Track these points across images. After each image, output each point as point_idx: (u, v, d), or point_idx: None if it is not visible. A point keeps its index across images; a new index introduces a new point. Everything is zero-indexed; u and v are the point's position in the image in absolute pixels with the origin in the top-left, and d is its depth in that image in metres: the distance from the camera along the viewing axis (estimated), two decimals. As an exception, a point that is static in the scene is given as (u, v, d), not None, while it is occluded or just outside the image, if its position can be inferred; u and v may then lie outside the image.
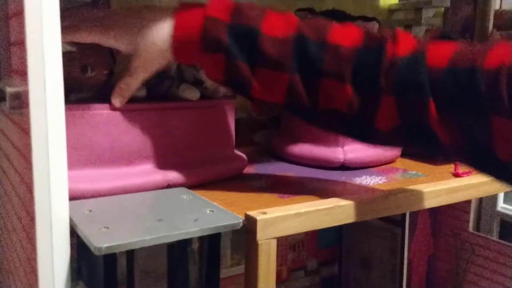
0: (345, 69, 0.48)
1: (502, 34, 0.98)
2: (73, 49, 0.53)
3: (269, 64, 0.49)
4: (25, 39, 0.37)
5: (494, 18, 0.99)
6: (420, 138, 0.50)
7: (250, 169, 0.71)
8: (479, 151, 0.47)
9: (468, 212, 1.06)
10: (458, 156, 0.53)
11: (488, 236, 1.05)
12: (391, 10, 1.00)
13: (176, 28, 0.51)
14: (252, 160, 0.72)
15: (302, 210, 0.50)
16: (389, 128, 0.49)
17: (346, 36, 0.49)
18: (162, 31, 0.52)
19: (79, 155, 0.53)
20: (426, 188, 0.60)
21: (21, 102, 0.41)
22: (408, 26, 0.96)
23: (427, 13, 0.94)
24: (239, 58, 0.50)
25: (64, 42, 0.48)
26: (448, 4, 0.94)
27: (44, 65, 0.37)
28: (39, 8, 0.38)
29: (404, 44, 0.48)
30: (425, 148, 0.54)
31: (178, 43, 0.52)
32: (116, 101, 0.55)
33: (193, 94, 0.62)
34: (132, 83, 0.55)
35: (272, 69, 0.50)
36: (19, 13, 0.40)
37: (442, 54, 0.47)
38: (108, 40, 0.53)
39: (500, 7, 1.10)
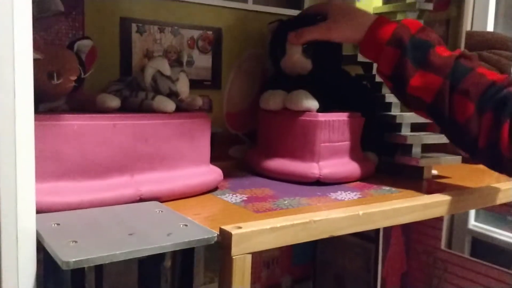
0: (475, 91, 0.63)
1: (472, 54, 1.00)
2: (39, 56, 0.52)
3: (431, 69, 0.65)
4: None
5: (466, 39, 1.02)
6: (493, 155, 0.63)
7: (225, 184, 0.70)
8: None
9: (440, 230, 1.07)
10: None
11: (460, 254, 1.06)
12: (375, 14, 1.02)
13: (376, 22, 0.71)
14: (227, 174, 0.72)
15: (278, 225, 0.49)
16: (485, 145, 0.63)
17: (491, 73, 0.65)
18: (365, 21, 0.71)
19: (48, 167, 0.51)
20: (400, 204, 0.60)
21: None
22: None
23: (411, 17, 0.95)
24: (410, 58, 0.66)
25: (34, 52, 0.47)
26: (431, 7, 0.96)
27: (14, 73, 0.36)
28: (10, 16, 0.37)
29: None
30: (493, 166, 0.67)
31: (373, 31, 0.70)
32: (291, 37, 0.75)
33: (168, 106, 0.61)
34: (313, 34, 0.74)
35: (432, 72, 0.65)
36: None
37: None
38: (331, 33, 0.74)
39: (472, 28, 1.14)
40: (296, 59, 0.76)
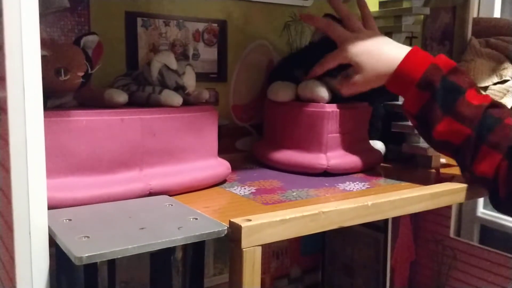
0: (504, 143, 0.62)
1: (480, 40, 1.00)
2: (46, 53, 0.52)
3: (459, 118, 0.63)
4: (4, 44, 0.36)
5: (472, 26, 1.01)
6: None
7: (233, 176, 0.71)
8: None
9: (449, 218, 1.06)
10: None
11: (469, 242, 1.06)
12: (372, 18, 1.01)
13: (407, 59, 0.66)
14: (235, 166, 0.72)
15: (287, 217, 0.49)
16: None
17: None
18: (394, 57, 0.67)
19: (58, 163, 0.52)
20: (409, 193, 0.60)
21: (-2, 108, 0.40)
22: (388, 34, 0.97)
23: (407, 21, 0.95)
24: (439, 102, 0.64)
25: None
26: (427, 12, 0.95)
27: (23, 71, 0.36)
28: (18, 12, 0.37)
29: None
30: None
31: (401, 71, 0.67)
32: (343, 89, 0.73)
33: (175, 100, 0.61)
34: (352, 88, 0.72)
35: (459, 122, 0.63)
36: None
37: None
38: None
39: (478, 15, 1.12)
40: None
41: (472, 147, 0.64)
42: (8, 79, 0.36)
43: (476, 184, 0.66)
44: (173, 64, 0.63)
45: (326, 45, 0.74)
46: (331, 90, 0.74)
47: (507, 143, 0.62)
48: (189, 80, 0.64)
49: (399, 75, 0.67)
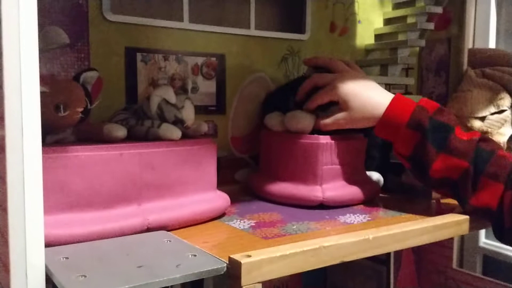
0: (502, 173, 0.63)
1: (476, 71, 1.01)
2: (45, 89, 0.52)
3: (454, 153, 0.65)
4: (3, 84, 0.36)
5: (468, 56, 1.02)
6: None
7: (232, 209, 0.70)
8: None
9: (451, 248, 1.05)
10: None
11: (472, 273, 1.04)
12: (368, 50, 1.03)
13: (392, 104, 0.68)
14: (234, 199, 0.71)
15: (288, 252, 0.49)
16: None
17: (510, 155, 0.66)
18: (380, 102, 0.69)
19: (56, 199, 0.51)
20: (410, 226, 0.60)
21: (-4, 146, 0.40)
22: (384, 66, 0.98)
23: (403, 53, 0.96)
24: (430, 141, 0.65)
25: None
26: (423, 44, 0.97)
27: (21, 110, 0.36)
28: (17, 51, 0.37)
29: None
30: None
31: (389, 115, 0.68)
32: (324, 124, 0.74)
33: (174, 133, 0.61)
34: (331, 126, 0.73)
35: (455, 156, 0.64)
36: (-3, 56, 0.39)
37: None
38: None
39: (473, 46, 1.14)
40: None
41: (471, 180, 0.64)
42: (7, 118, 0.36)
43: (478, 216, 0.66)
44: (172, 98, 0.63)
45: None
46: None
47: (505, 173, 0.63)
48: (188, 114, 0.65)
49: (388, 119, 0.68)
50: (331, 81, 0.73)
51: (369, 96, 0.71)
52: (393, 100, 0.69)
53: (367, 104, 0.70)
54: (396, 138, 0.68)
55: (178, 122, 0.63)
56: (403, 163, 0.70)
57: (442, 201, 0.78)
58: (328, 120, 0.73)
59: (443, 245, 1.05)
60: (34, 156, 0.37)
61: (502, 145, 0.92)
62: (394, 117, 0.68)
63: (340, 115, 0.72)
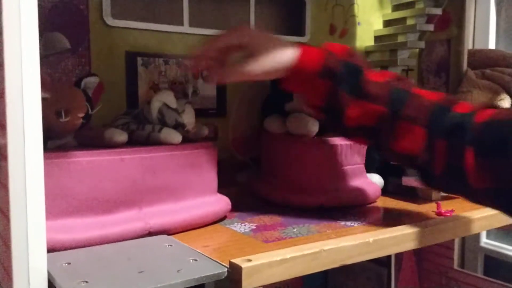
0: (421, 115, 0.59)
1: (476, 72, 1.01)
2: (47, 95, 0.52)
3: (367, 97, 0.60)
4: (4, 92, 0.37)
5: (468, 57, 1.02)
6: (455, 183, 0.58)
7: (233, 212, 0.70)
8: None
9: (452, 249, 1.06)
10: (488, 201, 0.59)
11: (473, 273, 1.04)
12: (368, 52, 1.03)
13: (302, 54, 0.62)
14: (235, 201, 0.71)
15: (288, 256, 0.49)
16: (440, 172, 0.58)
17: (427, 92, 0.62)
18: (286, 55, 0.62)
19: (57, 204, 0.52)
20: (410, 229, 0.60)
21: (-1, 155, 0.41)
22: (384, 67, 0.98)
23: (402, 55, 0.97)
24: (343, 87, 0.61)
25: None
26: (423, 46, 0.97)
27: (23, 119, 0.37)
28: (19, 60, 0.37)
29: (464, 107, 0.60)
30: (456, 192, 0.64)
31: (299, 66, 0.62)
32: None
33: (175, 138, 0.61)
34: (232, 78, 0.66)
35: (368, 101, 0.60)
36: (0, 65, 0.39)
37: (486, 113, 0.57)
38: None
39: (473, 47, 1.14)
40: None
41: (388, 125, 0.60)
42: (9, 127, 0.37)
43: (400, 162, 0.65)
44: (173, 103, 0.64)
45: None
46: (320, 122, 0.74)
47: (423, 113, 0.60)
48: (189, 118, 0.65)
49: (298, 69, 0.62)
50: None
51: (278, 42, 0.63)
52: (302, 50, 0.63)
53: (277, 49, 0.62)
54: (307, 89, 0.63)
55: (179, 126, 0.64)
56: (318, 115, 0.67)
57: (442, 203, 0.78)
58: (231, 68, 0.64)
59: (444, 246, 1.06)
60: (35, 163, 0.38)
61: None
62: (305, 67, 0.62)
63: (247, 63, 0.62)
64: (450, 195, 0.80)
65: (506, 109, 0.60)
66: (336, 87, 0.61)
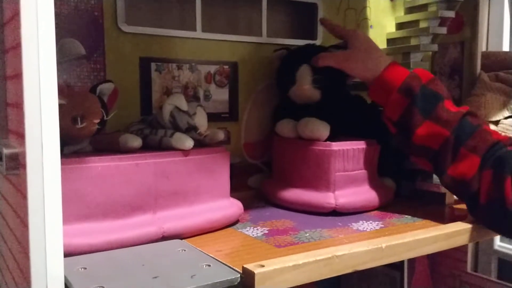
0: (481, 146, 0.65)
1: (489, 75, 1.00)
2: (63, 101, 0.53)
3: (437, 121, 0.67)
4: (22, 101, 0.38)
5: (482, 60, 1.01)
6: (495, 212, 0.62)
7: (245, 216, 0.71)
8: None
9: (466, 252, 1.05)
10: None
11: (486, 277, 1.03)
12: (381, 54, 1.03)
13: (390, 67, 0.71)
14: (247, 205, 0.72)
15: (300, 262, 0.49)
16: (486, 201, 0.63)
17: (496, 132, 0.68)
18: (380, 63, 0.72)
19: (74, 209, 0.53)
20: (424, 234, 0.60)
21: (17, 163, 0.41)
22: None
23: (415, 58, 0.96)
24: (418, 107, 0.67)
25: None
26: (436, 48, 0.97)
27: (41, 127, 0.37)
28: (36, 70, 0.38)
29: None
30: (496, 225, 0.65)
31: (385, 76, 0.71)
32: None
33: (186, 143, 0.61)
34: (330, 61, 0.76)
35: (439, 124, 0.66)
36: (18, 75, 0.40)
37: None
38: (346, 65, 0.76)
39: (487, 49, 1.13)
40: (306, 89, 0.77)
41: (450, 150, 0.66)
42: (27, 135, 0.37)
43: (455, 188, 0.68)
44: (184, 106, 0.64)
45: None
46: (331, 127, 0.75)
47: (484, 145, 0.65)
48: (201, 120, 0.65)
49: (382, 82, 0.71)
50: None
51: (375, 50, 0.75)
52: (390, 64, 0.71)
53: (372, 55, 0.74)
54: (387, 102, 0.70)
55: (191, 129, 0.64)
56: (390, 128, 0.72)
57: (456, 207, 0.78)
58: (326, 54, 0.77)
59: (458, 249, 1.04)
60: (53, 170, 0.38)
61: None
62: (387, 80, 0.70)
63: (341, 52, 0.76)
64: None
65: None
66: (412, 106, 0.67)
